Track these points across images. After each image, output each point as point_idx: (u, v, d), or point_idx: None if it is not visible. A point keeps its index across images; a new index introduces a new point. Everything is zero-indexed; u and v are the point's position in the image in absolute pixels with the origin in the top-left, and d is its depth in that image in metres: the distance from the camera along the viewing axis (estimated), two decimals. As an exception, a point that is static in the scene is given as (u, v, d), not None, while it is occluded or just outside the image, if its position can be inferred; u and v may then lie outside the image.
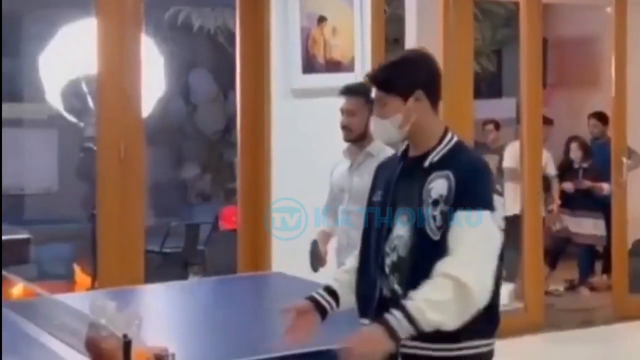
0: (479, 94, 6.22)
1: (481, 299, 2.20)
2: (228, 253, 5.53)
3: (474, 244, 2.20)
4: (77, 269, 6.92)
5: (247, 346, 2.36)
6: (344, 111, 3.88)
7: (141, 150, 4.77)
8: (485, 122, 7.53)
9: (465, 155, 2.37)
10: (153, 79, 6.05)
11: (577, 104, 8.53)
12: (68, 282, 6.65)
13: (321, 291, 2.45)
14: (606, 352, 5.46)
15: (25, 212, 8.94)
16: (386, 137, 2.48)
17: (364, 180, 3.73)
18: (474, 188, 2.27)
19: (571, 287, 7.05)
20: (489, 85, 8.89)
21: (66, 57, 6.30)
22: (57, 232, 7.98)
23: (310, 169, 4.85)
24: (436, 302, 2.15)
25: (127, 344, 2.06)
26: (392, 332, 2.13)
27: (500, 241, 2.28)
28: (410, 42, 6.88)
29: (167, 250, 7.35)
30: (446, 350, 2.27)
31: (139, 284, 4.40)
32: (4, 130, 7.22)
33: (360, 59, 4.93)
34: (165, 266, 7.16)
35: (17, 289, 3.94)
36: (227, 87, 9.76)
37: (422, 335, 2.19)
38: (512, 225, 6.60)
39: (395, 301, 2.26)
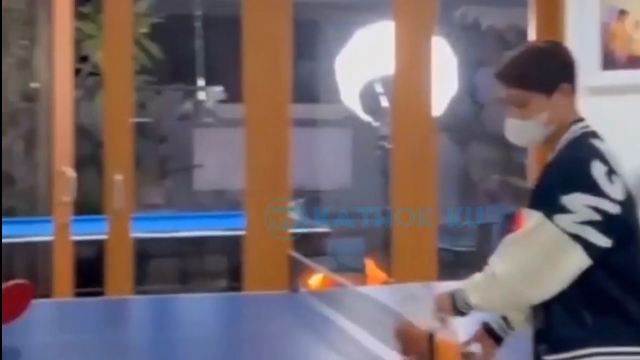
0: None
1: (509, 288, 2.14)
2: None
3: (515, 238, 2.17)
4: (369, 263, 7.19)
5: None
6: None
7: (434, 148, 4.86)
8: None
9: (561, 152, 2.20)
10: (446, 78, 6.14)
11: None
12: (361, 275, 6.92)
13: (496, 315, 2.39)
14: None
15: (322, 207, 9.42)
16: (529, 139, 2.29)
17: None
18: (538, 186, 2.18)
19: None
20: None
21: (362, 60, 6.57)
22: (351, 227, 8.32)
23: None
24: (473, 284, 2.21)
25: (431, 337, 2.14)
26: (454, 302, 2.23)
27: (552, 243, 2.09)
28: None
29: (459, 249, 7.41)
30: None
31: (432, 280, 4.49)
32: (301, 129, 7.66)
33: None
34: (456, 264, 7.23)
35: (316, 278, 4.19)
36: (516, 86, 9.59)
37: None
38: None
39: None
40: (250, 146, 4.71)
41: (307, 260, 3.83)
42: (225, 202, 8.31)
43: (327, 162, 9.82)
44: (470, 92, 10.25)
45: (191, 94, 8.96)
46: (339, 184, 9.89)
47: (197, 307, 3.81)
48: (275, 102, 4.72)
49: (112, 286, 4.49)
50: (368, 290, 3.70)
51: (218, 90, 8.55)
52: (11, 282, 2.94)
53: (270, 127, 4.70)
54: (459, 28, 9.37)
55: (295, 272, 3.84)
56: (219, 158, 9.22)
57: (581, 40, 4.91)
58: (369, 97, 6.64)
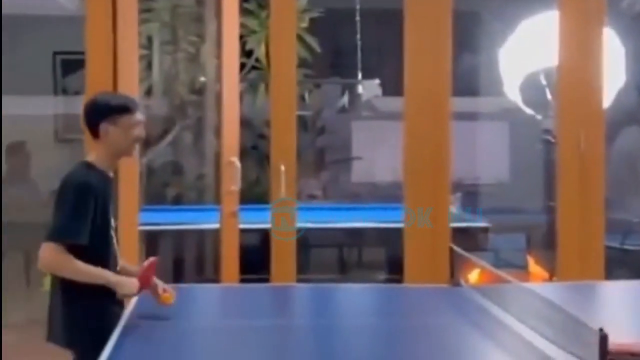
0: None
1: None
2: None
3: None
4: (530, 260, 7.04)
5: None
6: None
7: (601, 142, 4.71)
8: None
9: None
10: (613, 70, 5.93)
11: None
12: (523, 272, 6.79)
13: None
14: None
15: (480, 202, 9.32)
16: None
17: None
18: None
19: None
20: None
21: (526, 51, 6.44)
22: (510, 222, 8.18)
23: None
24: None
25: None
26: None
27: None
28: None
29: (629, 248, 7.11)
30: None
31: (598, 279, 4.35)
32: (460, 123, 7.61)
33: None
34: (624, 264, 6.93)
35: (475, 272, 4.15)
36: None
37: None
38: None
39: None
40: (410, 139, 4.72)
41: (467, 254, 3.80)
42: (382, 195, 8.35)
43: (484, 156, 9.69)
44: (637, 85, 9.82)
45: (349, 87, 9.05)
46: (497, 178, 9.73)
47: (359, 296, 3.86)
48: (435, 95, 4.70)
49: (277, 274, 4.62)
50: (532, 287, 3.62)
51: (375, 83, 8.59)
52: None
53: (429, 121, 4.69)
54: (626, 18, 8.99)
55: (457, 266, 3.81)
56: (376, 151, 9.28)
57: None
58: (532, 90, 6.51)
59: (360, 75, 8.35)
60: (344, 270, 6.80)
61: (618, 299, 3.65)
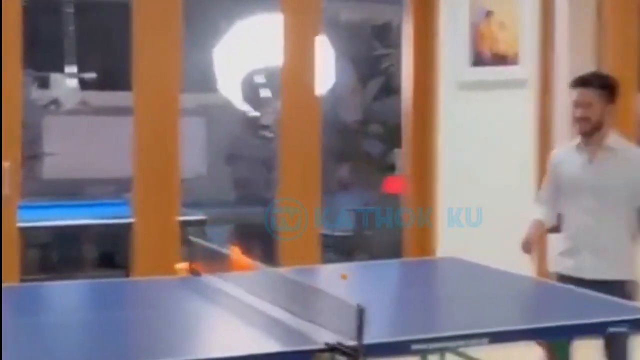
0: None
1: None
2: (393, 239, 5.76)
3: None
4: (234, 250, 7.28)
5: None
6: (579, 103, 3.65)
7: (318, 135, 5.06)
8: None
9: None
10: (325, 71, 6.38)
11: None
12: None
13: None
14: None
15: (185, 196, 9.42)
16: None
17: (609, 176, 3.61)
18: None
19: None
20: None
21: (242, 51, 6.67)
22: (218, 215, 8.36)
23: (478, 160, 5.05)
24: None
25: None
26: None
27: None
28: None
29: (339, 234, 7.63)
30: None
31: (316, 264, 4.68)
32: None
33: (526, 53, 5.04)
34: (336, 249, 7.44)
35: (183, 264, 4.24)
36: (366, 77, 10.03)
37: None
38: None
39: None
40: (139, 134, 4.74)
41: (207, 244, 3.92)
42: (76, 192, 8.13)
43: (184, 150, 9.80)
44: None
45: (43, 80, 8.69)
46: (196, 172, 9.89)
47: (90, 292, 3.74)
48: (165, 91, 4.75)
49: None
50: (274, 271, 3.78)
51: (73, 76, 8.34)
52: None
53: (159, 116, 4.73)
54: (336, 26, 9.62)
55: (194, 257, 3.90)
56: (73, 146, 9.00)
57: (453, 38, 5.26)
58: (249, 88, 6.76)
59: (73, 69, 8.06)
60: (66, 268, 6.57)
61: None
